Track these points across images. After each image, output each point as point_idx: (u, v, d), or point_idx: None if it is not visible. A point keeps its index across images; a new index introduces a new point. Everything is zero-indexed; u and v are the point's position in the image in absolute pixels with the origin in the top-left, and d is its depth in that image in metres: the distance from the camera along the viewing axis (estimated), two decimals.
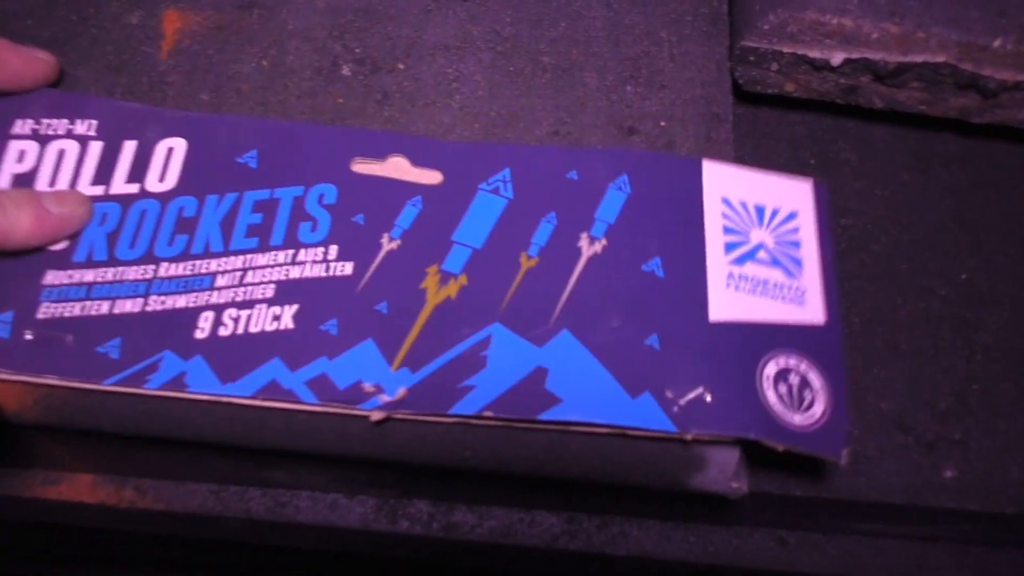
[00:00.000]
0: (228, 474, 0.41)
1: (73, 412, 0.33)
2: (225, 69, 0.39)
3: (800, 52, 0.40)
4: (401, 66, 0.40)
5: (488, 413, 0.33)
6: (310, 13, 0.40)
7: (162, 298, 0.34)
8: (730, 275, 0.35)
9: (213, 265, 0.34)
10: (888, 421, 0.40)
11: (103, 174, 0.36)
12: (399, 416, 0.33)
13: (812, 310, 0.35)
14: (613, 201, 0.36)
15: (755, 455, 0.35)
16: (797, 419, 0.33)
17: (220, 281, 0.34)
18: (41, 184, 0.35)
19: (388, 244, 0.35)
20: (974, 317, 0.42)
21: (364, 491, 0.42)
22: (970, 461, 0.39)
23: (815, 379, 0.34)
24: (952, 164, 0.46)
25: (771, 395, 0.34)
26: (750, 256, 0.36)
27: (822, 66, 0.41)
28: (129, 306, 0.34)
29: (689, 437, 0.32)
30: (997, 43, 0.39)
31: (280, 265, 0.34)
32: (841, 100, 0.43)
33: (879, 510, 0.39)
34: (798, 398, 0.34)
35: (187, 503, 0.41)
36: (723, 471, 0.34)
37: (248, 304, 0.34)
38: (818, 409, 0.33)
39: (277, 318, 0.33)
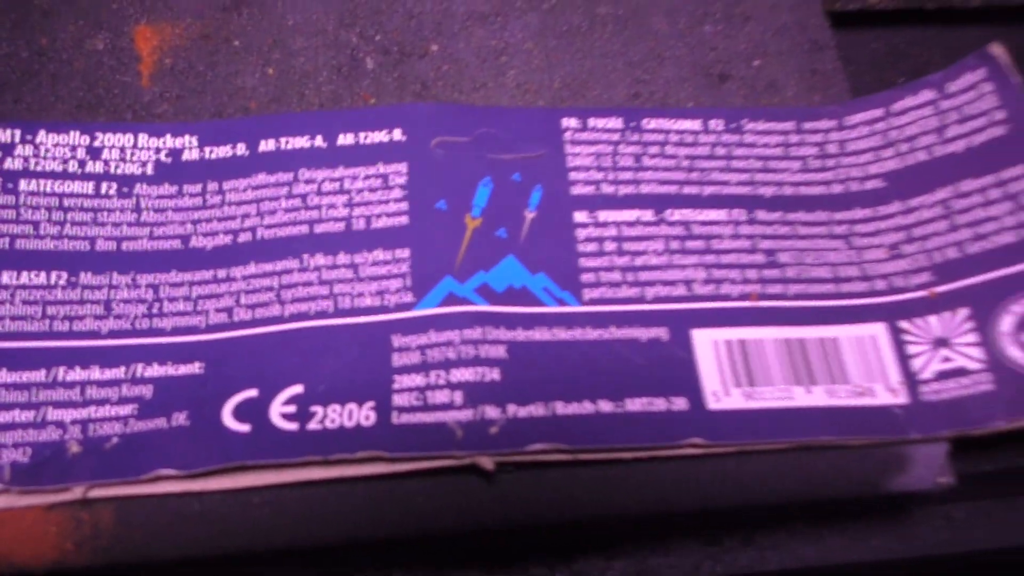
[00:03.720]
0: None
1: (127, 547, 0.26)
2: (224, 86, 0.32)
3: None
4: (435, 47, 0.33)
5: (697, 440, 0.27)
6: (311, 2, 0.33)
7: None
8: None
9: None
10: None
11: None
12: (523, 459, 0.27)
13: None
14: None
15: None
16: None
17: None
18: None
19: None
20: None
21: (466, 569, 0.35)
22: None
23: None
24: None
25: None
26: None
27: None
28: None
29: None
30: None
31: None
32: (931, 4, 0.38)
33: None
34: None
35: None
36: (929, 467, 0.28)
37: None
38: None
39: None
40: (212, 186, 0.31)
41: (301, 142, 0.31)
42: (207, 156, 0.31)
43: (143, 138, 0.31)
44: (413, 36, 0.33)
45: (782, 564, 0.36)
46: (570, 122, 0.32)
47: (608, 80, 0.32)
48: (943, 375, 0.29)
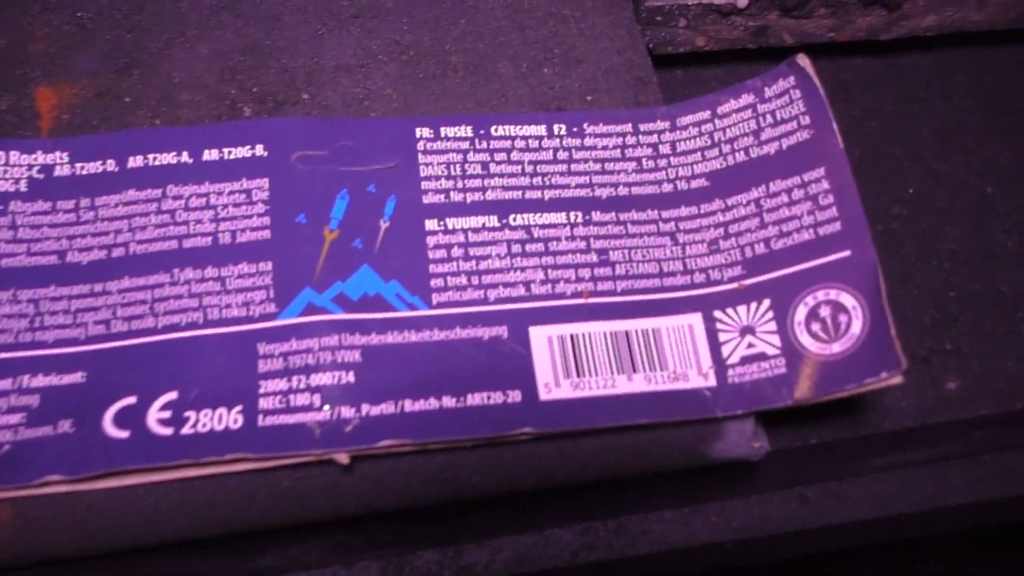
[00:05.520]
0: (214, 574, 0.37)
1: (29, 541, 0.29)
2: None
3: (705, 0, 0.40)
4: (306, 96, 0.37)
5: (527, 430, 0.30)
6: (195, 61, 0.38)
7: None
8: None
9: None
10: None
11: None
12: (376, 452, 0.30)
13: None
14: None
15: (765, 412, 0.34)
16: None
17: None
18: None
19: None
20: (932, 227, 0.42)
21: (363, 555, 0.38)
22: (968, 367, 0.39)
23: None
24: (870, 87, 0.46)
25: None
26: None
27: (729, 11, 0.40)
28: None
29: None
30: None
31: None
32: (752, 44, 0.43)
33: (897, 438, 0.37)
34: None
35: None
36: (742, 434, 0.32)
37: None
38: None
39: None
40: (85, 202, 0.33)
41: (168, 158, 0.33)
42: (78, 172, 0.33)
43: (14, 155, 0.33)
44: (287, 87, 0.37)
45: (652, 547, 0.39)
46: (423, 131, 0.35)
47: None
48: (746, 360, 0.32)
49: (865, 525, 0.41)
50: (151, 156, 0.34)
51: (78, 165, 0.34)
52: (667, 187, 0.35)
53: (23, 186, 0.33)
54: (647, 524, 0.40)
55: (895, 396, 0.38)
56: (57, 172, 0.33)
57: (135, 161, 0.34)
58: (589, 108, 0.37)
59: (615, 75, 0.38)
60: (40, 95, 0.36)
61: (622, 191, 0.35)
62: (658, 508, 0.40)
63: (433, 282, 0.33)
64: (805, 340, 0.32)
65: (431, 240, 0.33)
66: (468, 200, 0.34)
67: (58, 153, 0.34)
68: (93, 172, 0.33)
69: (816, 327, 0.32)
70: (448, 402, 0.31)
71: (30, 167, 0.33)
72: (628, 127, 0.36)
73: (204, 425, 0.29)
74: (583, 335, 0.32)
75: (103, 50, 0.38)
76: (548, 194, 0.35)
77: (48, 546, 0.29)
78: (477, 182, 0.34)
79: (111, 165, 0.34)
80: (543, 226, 0.34)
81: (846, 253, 0.32)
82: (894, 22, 0.42)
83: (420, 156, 0.35)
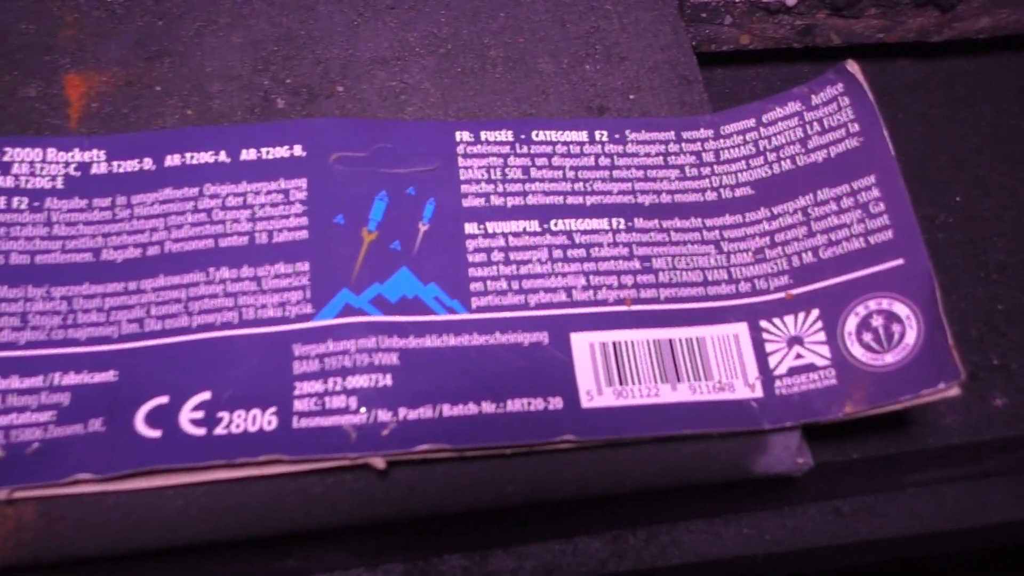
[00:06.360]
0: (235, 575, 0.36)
1: (52, 541, 0.28)
2: (145, 126, 0.35)
3: None
4: (340, 88, 0.36)
5: (569, 437, 0.30)
6: (227, 50, 0.37)
7: None
8: None
9: None
10: None
11: None
12: (412, 457, 0.29)
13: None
14: None
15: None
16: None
17: None
18: None
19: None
20: (979, 236, 0.41)
21: (388, 558, 0.38)
22: (1016, 383, 0.37)
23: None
24: (916, 90, 0.45)
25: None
26: None
27: (777, 9, 0.39)
28: None
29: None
30: None
31: None
32: (798, 44, 0.42)
33: (939, 454, 0.36)
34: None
35: None
36: (786, 449, 0.31)
37: None
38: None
39: None
40: (121, 200, 0.32)
41: (206, 157, 0.33)
42: (115, 170, 0.33)
43: (52, 152, 0.33)
44: (321, 79, 0.36)
45: (682, 559, 0.39)
46: (463, 135, 0.34)
47: (497, 114, 0.36)
48: (794, 371, 0.31)
49: (899, 541, 0.40)
50: (188, 155, 0.33)
51: (115, 163, 0.33)
52: (711, 195, 0.35)
53: (60, 183, 0.32)
54: (678, 534, 0.39)
55: (940, 412, 0.37)
56: (94, 170, 0.33)
57: (172, 160, 0.33)
58: (632, 106, 0.36)
59: (659, 73, 0.37)
60: (69, 82, 0.35)
61: (665, 199, 0.34)
62: (690, 518, 0.39)
63: (473, 286, 0.32)
64: (856, 351, 0.31)
65: (471, 244, 0.32)
66: (509, 204, 0.33)
67: (95, 151, 0.33)
68: (130, 170, 0.33)
69: (868, 337, 0.31)
70: (488, 408, 0.30)
71: (67, 164, 0.33)
72: (671, 135, 0.35)
73: (238, 426, 0.29)
74: (626, 343, 0.31)
75: (133, 37, 0.37)
76: (590, 200, 0.34)
77: (72, 546, 0.29)
78: (518, 187, 0.34)
79: (148, 164, 0.33)
80: (585, 232, 0.33)
81: (899, 262, 0.31)
82: (946, 23, 0.41)
83: (460, 159, 0.34)
